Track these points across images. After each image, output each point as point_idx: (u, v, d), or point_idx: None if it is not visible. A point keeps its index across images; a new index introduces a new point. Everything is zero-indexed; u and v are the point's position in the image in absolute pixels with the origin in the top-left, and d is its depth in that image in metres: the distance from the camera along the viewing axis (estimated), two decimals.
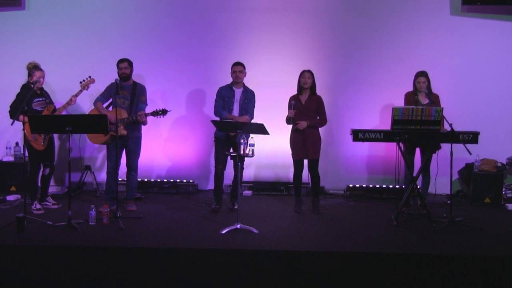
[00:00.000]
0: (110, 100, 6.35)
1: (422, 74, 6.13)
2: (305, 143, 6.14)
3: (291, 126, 6.19)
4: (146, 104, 6.38)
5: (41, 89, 6.32)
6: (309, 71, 6.20)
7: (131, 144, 6.28)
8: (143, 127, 6.42)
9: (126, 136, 6.20)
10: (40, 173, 6.41)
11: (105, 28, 7.49)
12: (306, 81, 6.14)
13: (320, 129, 6.27)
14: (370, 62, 7.36)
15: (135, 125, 6.26)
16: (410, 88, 6.27)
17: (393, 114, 5.65)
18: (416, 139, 5.86)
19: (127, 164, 6.35)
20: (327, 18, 7.40)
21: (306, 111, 6.14)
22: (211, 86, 6.78)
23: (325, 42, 7.40)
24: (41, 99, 6.28)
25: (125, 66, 6.26)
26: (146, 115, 6.15)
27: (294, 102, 6.10)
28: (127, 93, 6.24)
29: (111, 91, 6.23)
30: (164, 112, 6.14)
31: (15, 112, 6.01)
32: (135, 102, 6.26)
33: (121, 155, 6.34)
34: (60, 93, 7.09)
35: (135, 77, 6.51)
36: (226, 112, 6.21)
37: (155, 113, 6.14)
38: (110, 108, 6.33)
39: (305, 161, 6.26)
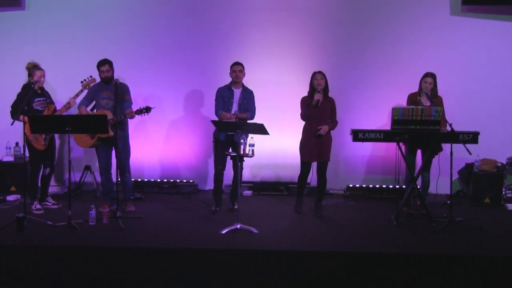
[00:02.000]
0: (93, 103, 6.31)
1: (430, 75, 6.11)
2: (321, 146, 6.02)
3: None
4: (131, 103, 6.25)
5: (42, 88, 6.30)
6: (321, 72, 6.03)
7: (119, 145, 6.14)
8: (131, 128, 6.38)
9: (113, 137, 6.05)
10: (41, 173, 6.41)
11: (104, 28, 7.47)
12: (320, 83, 5.97)
13: None
14: (369, 62, 7.34)
15: (121, 125, 6.16)
16: (411, 89, 6.26)
17: (393, 114, 5.65)
18: (416, 139, 5.86)
19: (119, 167, 6.16)
20: (328, 19, 7.39)
21: (321, 114, 6.02)
22: (211, 86, 6.77)
23: (325, 42, 7.39)
24: (41, 99, 6.27)
25: (106, 69, 6.15)
26: (134, 113, 6.00)
27: (319, 89, 5.92)
28: (110, 93, 6.11)
29: (94, 94, 6.23)
30: (147, 109, 5.95)
31: (15, 112, 6.00)
32: (119, 102, 6.10)
33: (111, 156, 6.30)
34: (60, 92, 7.08)
35: (132, 78, 6.48)
36: (221, 111, 6.18)
37: (139, 112, 5.95)
38: (95, 111, 6.26)
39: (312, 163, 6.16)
